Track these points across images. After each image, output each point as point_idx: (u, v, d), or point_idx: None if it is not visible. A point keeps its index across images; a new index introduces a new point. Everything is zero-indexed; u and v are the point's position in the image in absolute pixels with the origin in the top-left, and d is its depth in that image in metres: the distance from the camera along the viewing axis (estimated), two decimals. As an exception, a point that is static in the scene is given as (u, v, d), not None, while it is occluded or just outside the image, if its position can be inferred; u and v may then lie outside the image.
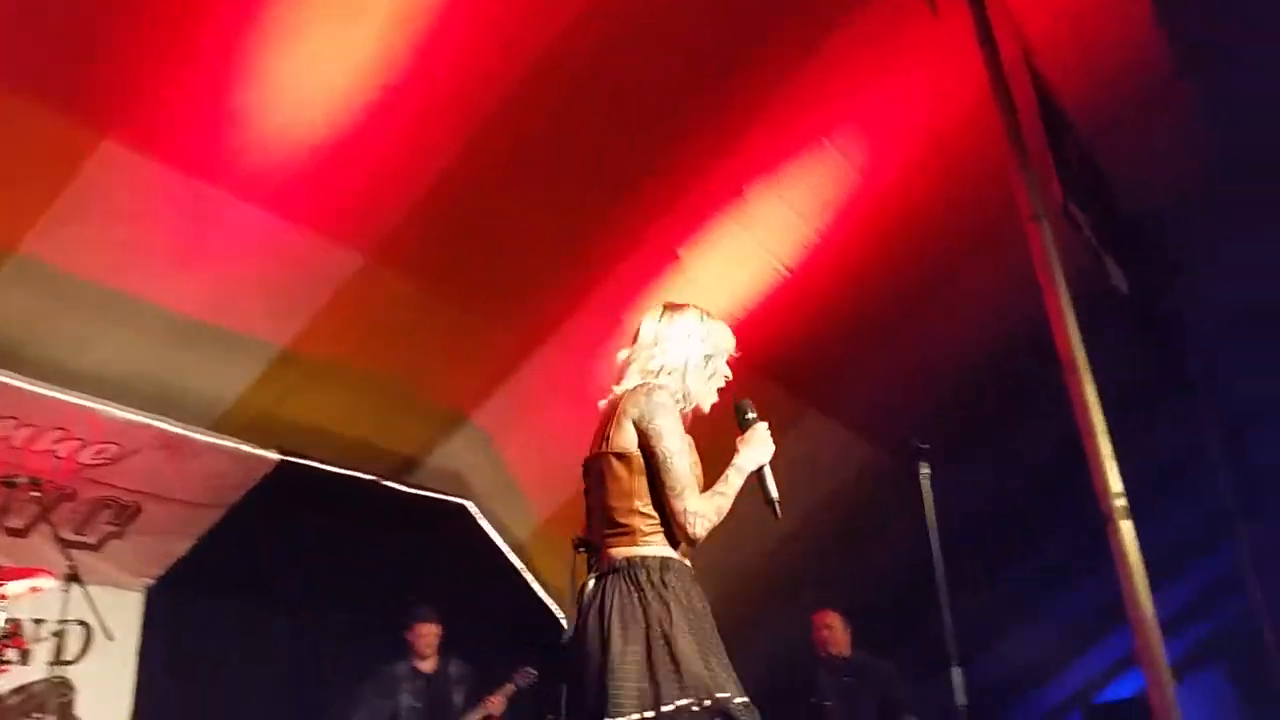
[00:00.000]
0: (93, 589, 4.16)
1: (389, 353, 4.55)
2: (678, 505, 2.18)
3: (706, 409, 2.39)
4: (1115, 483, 3.40)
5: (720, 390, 2.45)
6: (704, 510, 2.19)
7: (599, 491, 2.30)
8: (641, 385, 2.31)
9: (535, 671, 4.89)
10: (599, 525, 2.30)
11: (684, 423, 2.34)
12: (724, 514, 2.22)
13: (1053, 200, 3.95)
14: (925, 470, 3.76)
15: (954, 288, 5.21)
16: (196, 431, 4.31)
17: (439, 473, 5.32)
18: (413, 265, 4.18)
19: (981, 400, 5.76)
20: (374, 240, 4.00)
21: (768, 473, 2.27)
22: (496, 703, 4.83)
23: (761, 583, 5.78)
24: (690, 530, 2.18)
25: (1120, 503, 3.42)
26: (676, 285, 4.80)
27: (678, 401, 2.33)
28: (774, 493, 2.26)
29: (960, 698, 3.47)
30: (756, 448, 2.30)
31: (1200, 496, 7.13)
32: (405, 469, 5.21)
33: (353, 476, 4.94)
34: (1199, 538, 8.02)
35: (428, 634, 4.94)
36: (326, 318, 4.20)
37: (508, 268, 4.44)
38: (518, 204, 4.21)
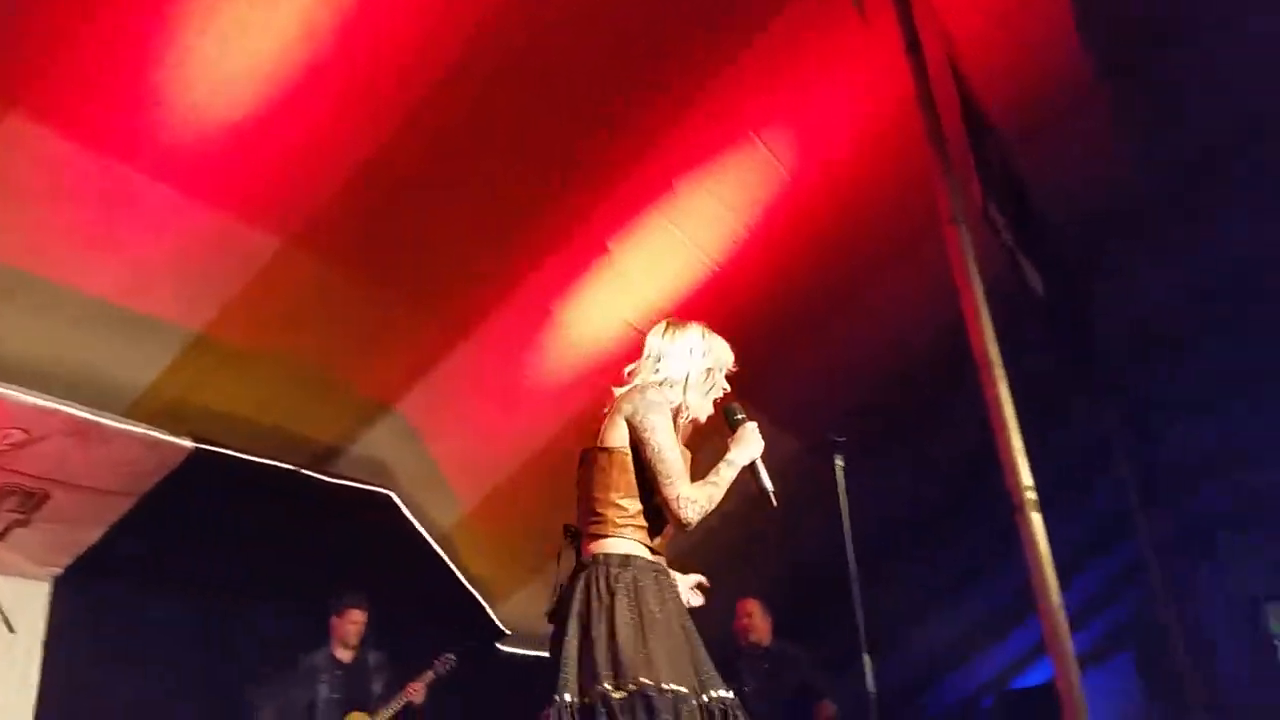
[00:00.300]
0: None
1: (308, 340, 4.46)
2: (670, 492, 2.32)
3: (704, 419, 2.57)
4: (1025, 476, 3.54)
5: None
6: (696, 497, 2.34)
7: (585, 483, 2.48)
8: (636, 386, 2.47)
9: (455, 658, 4.87)
10: (581, 514, 2.49)
11: (682, 433, 2.51)
12: (715, 502, 2.38)
13: (973, 203, 4.05)
14: (840, 462, 3.87)
15: (877, 287, 5.31)
16: (107, 418, 4.18)
17: (362, 462, 5.25)
18: (334, 251, 4.10)
19: (901, 397, 5.88)
20: (293, 225, 3.91)
21: (760, 466, 2.46)
22: (417, 689, 4.81)
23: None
24: (682, 515, 2.33)
25: (1030, 495, 3.56)
26: (606, 278, 4.81)
27: (678, 411, 2.50)
28: (768, 484, 2.46)
29: (870, 685, 3.58)
30: (748, 444, 2.49)
31: (1107, 491, 7.39)
32: (326, 458, 5.13)
33: (270, 465, 4.84)
34: (1106, 531, 8.32)
35: (358, 620, 4.91)
36: (243, 303, 4.09)
37: (434, 257, 4.39)
38: (444, 192, 4.16)
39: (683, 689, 2.18)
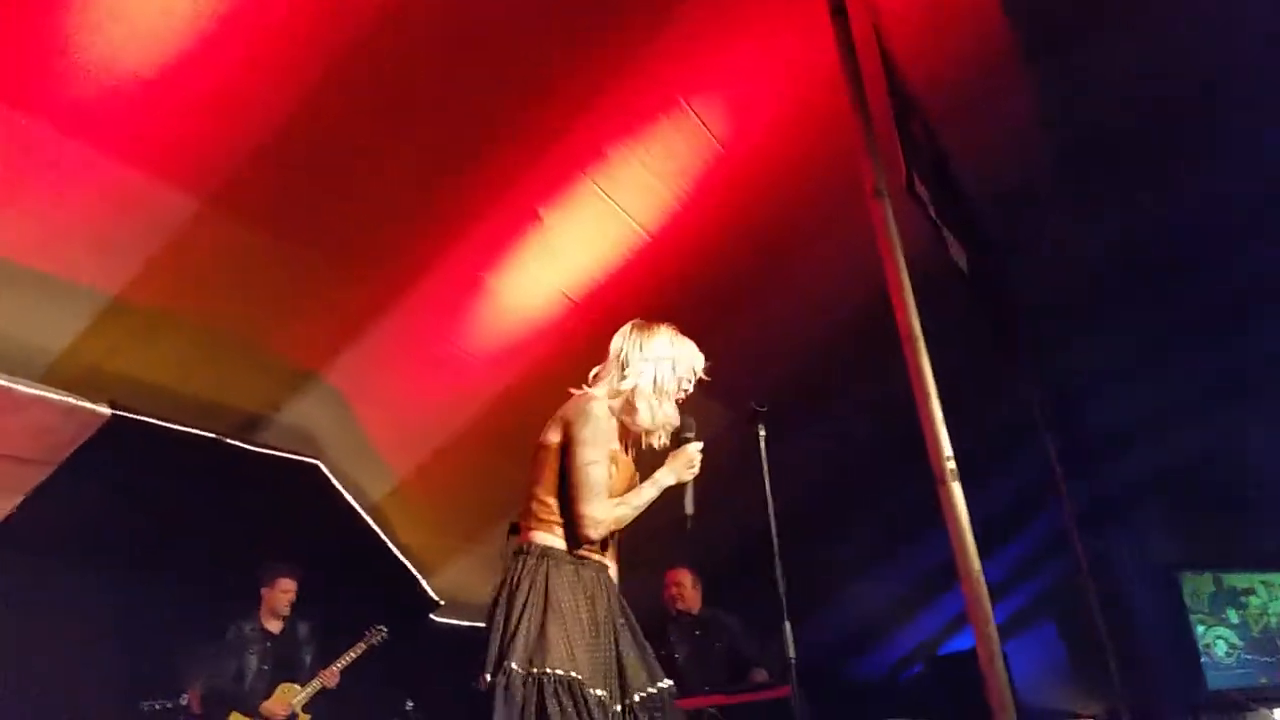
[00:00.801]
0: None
1: (231, 305, 4.38)
2: (578, 509, 2.40)
3: (669, 426, 2.61)
4: (946, 447, 3.63)
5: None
6: (601, 517, 2.40)
7: (528, 474, 2.55)
8: (584, 394, 2.50)
9: (385, 629, 4.86)
10: (521, 503, 2.55)
11: (637, 439, 2.56)
12: (625, 522, 2.45)
13: (897, 176, 4.12)
14: (762, 431, 3.92)
15: (804, 258, 5.37)
16: (21, 383, 4.07)
17: (288, 431, 5.18)
18: (255, 212, 4.01)
19: (828, 366, 5.97)
20: (211, 184, 3.82)
21: (689, 490, 2.53)
22: (331, 675, 4.78)
23: (618, 535, 5.89)
24: (583, 533, 2.40)
25: (950, 465, 3.65)
26: (537, 246, 4.79)
27: (630, 422, 2.53)
28: (690, 509, 2.53)
29: (790, 651, 3.67)
30: (679, 467, 2.55)
31: (1029, 463, 7.59)
32: (251, 426, 5.05)
33: (192, 434, 4.75)
34: (1028, 503, 8.56)
35: (288, 590, 4.87)
36: (160, 265, 3.99)
37: (360, 221, 4.33)
38: (369, 152, 4.09)
39: (578, 676, 2.23)
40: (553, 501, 2.45)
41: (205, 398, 4.74)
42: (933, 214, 4.70)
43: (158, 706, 4.80)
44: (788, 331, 5.80)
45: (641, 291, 5.18)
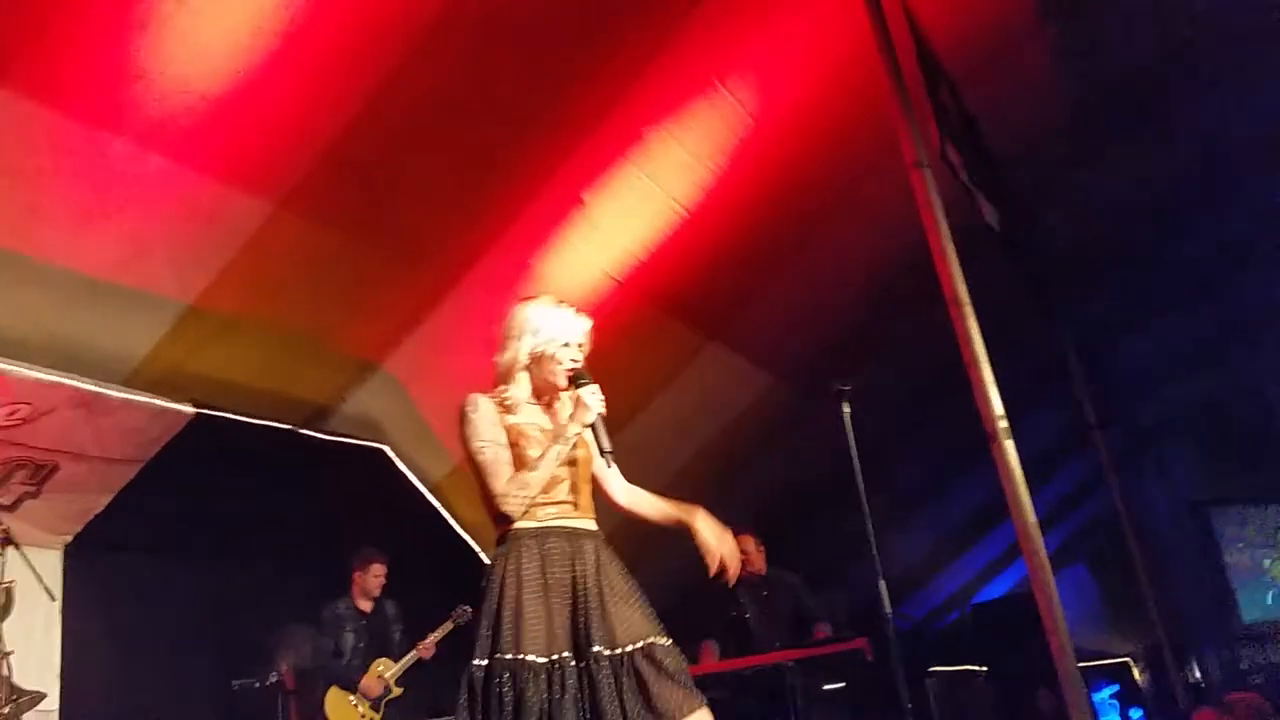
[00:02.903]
0: (8, 550, 4.20)
1: (298, 304, 4.60)
2: (489, 494, 2.48)
3: (561, 385, 2.59)
4: (997, 406, 3.80)
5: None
6: (509, 490, 2.44)
7: None
8: (460, 405, 2.56)
9: (470, 609, 5.10)
10: None
11: (521, 411, 2.57)
12: (537, 483, 2.45)
13: (933, 145, 4.26)
14: (847, 409, 4.08)
15: (838, 226, 5.53)
16: (111, 388, 4.31)
17: (354, 419, 5.42)
18: (320, 214, 4.21)
19: (861, 330, 6.15)
20: (281, 189, 4.02)
21: (600, 425, 2.51)
22: (427, 647, 5.04)
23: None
24: (503, 510, 2.45)
25: (1003, 424, 3.82)
26: (581, 229, 4.98)
27: (504, 397, 2.57)
28: (606, 444, 2.51)
29: (887, 607, 3.86)
30: (583, 410, 2.51)
31: (1061, 408, 7.77)
32: (320, 417, 5.30)
33: (268, 426, 5.01)
34: (1059, 447, 8.73)
35: (379, 574, 5.12)
36: (234, 271, 4.21)
37: (414, 215, 4.53)
38: (423, 151, 4.28)
39: (523, 657, 2.30)
40: (486, 501, 2.55)
41: (278, 392, 4.98)
42: (964, 178, 4.86)
43: (253, 684, 5.09)
44: (823, 297, 5.98)
45: (681, 267, 5.36)
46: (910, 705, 3.56)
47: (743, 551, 5.39)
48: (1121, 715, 9.05)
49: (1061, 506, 10.42)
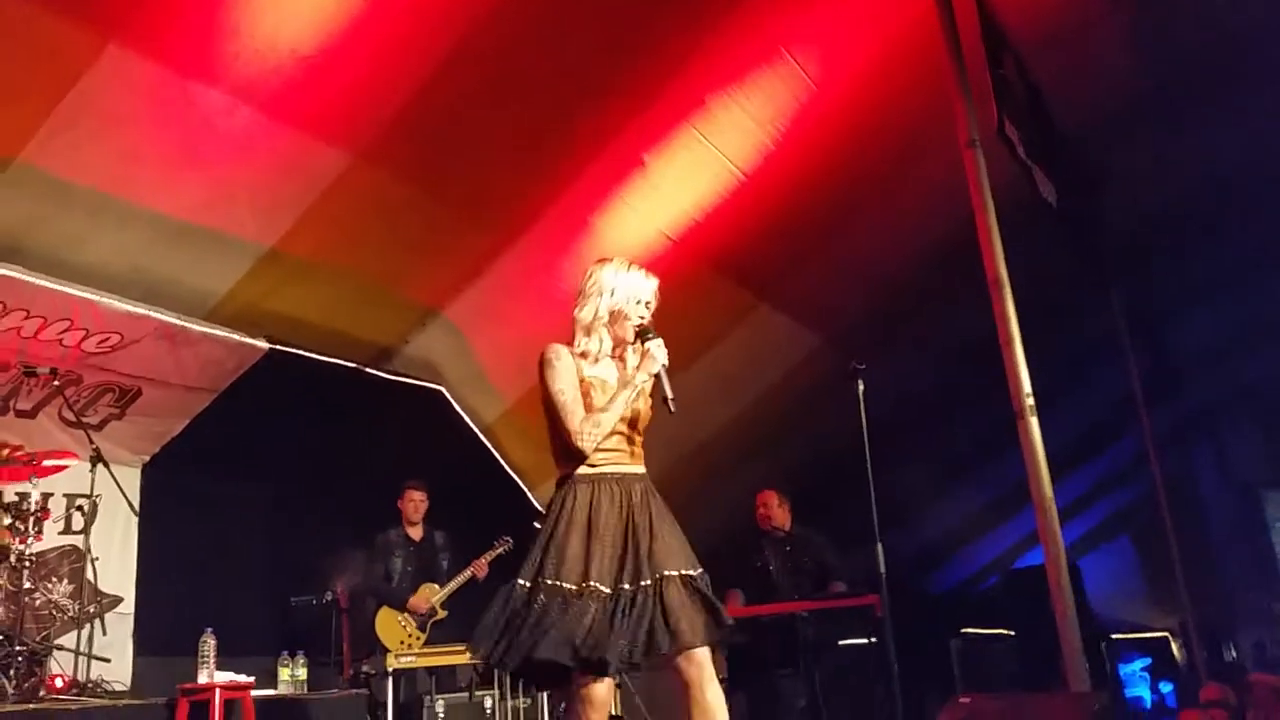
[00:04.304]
0: (86, 465, 4.55)
1: (369, 251, 4.84)
2: (563, 431, 2.68)
3: (630, 339, 2.78)
4: (1026, 384, 3.94)
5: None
6: (580, 429, 2.66)
7: None
8: (544, 348, 2.75)
9: (511, 540, 5.37)
10: None
11: (596, 362, 2.75)
12: (608, 423, 2.68)
13: (989, 123, 4.31)
14: (861, 386, 4.24)
15: (891, 195, 5.59)
16: (193, 322, 4.61)
17: (415, 361, 5.69)
18: (396, 166, 4.42)
19: (909, 298, 6.22)
20: (359, 143, 4.23)
21: (664, 375, 2.70)
22: (481, 566, 5.33)
23: (715, 455, 6.33)
24: (575, 446, 2.67)
25: (1029, 401, 3.96)
26: (641, 190, 5.12)
27: (585, 351, 2.74)
28: (669, 392, 2.68)
29: (881, 568, 4.06)
30: (650, 362, 2.72)
31: (1114, 384, 7.75)
32: (383, 357, 5.57)
33: (335, 363, 5.29)
34: (1115, 420, 8.71)
35: (418, 500, 5.40)
36: (312, 218, 4.45)
37: (483, 172, 4.71)
38: (493, 110, 4.44)
39: (568, 585, 2.55)
40: (555, 440, 2.76)
41: (345, 332, 5.25)
42: (1022, 154, 4.88)
43: (309, 601, 5.45)
44: (873, 264, 6.05)
45: (736, 229, 5.48)
46: (928, 665, 3.73)
47: (764, 505, 5.63)
48: (1151, 688, 9.12)
49: (1112, 480, 10.41)
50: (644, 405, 2.79)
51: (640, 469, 2.79)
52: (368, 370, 5.42)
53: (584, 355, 2.76)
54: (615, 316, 2.77)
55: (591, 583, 2.55)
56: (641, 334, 2.76)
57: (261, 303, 4.81)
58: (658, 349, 2.72)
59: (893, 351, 6.37)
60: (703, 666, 2.53)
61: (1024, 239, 4.47)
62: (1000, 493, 9.04)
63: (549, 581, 2.56)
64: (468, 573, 5.27)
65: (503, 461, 6.39)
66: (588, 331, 2.77)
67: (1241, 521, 10.94)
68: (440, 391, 5.87)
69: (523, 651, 2.50)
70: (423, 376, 5.76)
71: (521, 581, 2.60)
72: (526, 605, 2.56)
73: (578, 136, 4.74)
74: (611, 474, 2.72)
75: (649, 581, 2.56)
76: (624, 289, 2.79)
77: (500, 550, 5.34)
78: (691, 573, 2.62)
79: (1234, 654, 10.12)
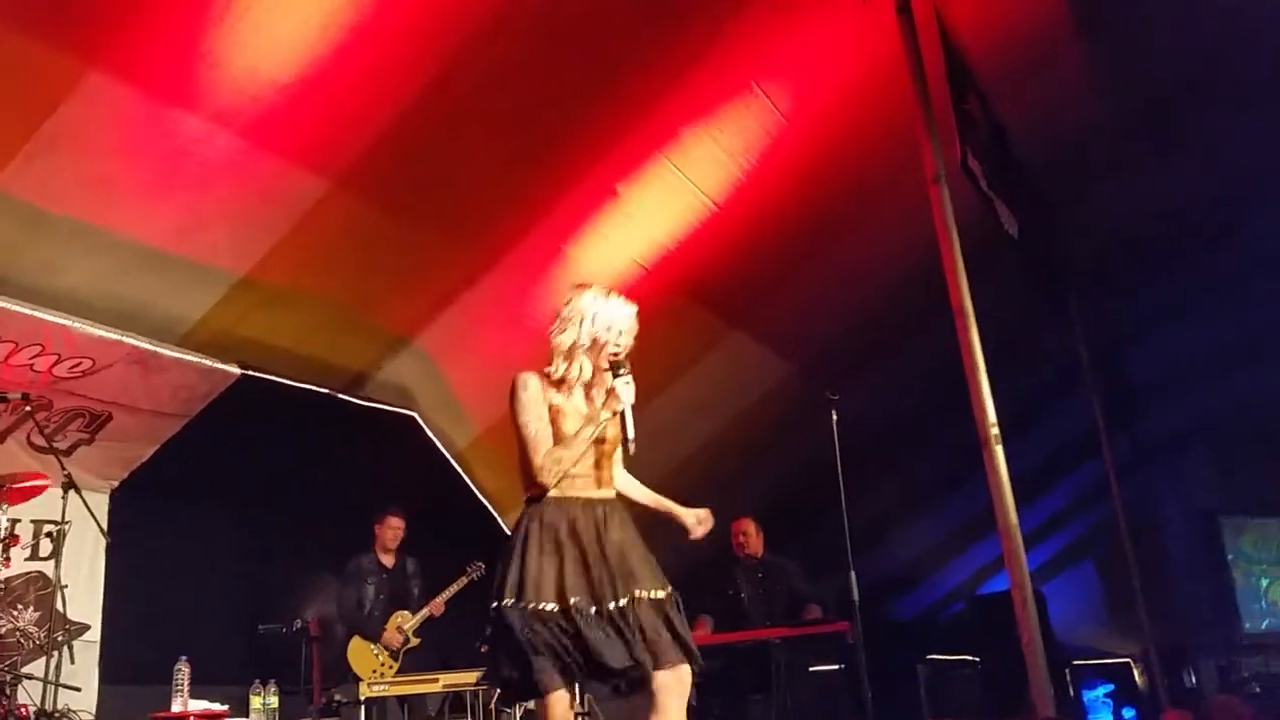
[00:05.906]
0: (56, 491, 4.51)
1: (343, 278, 4.86)
2: (529, 464, 2.70)
3: (603, 368, 2.78)
4: (991, 414, 4.04)
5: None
6: (545, 464, 2.69)
7: None
8: (513, 379, 2.76)
9: (483, 565, 5.38)
10: None
11: (570, 391, 2.77)
12: (569, 460, 2.69)
13: (953, 157, 4.44)
14: (835, 416, 4.32)
15: (859, 228, 5.71)
16: (165, 347, 4.60)
17: (387, 386, 5.70)
18: (372, 194, 4.46)
19: (876, 328, 6.34)
20: (336, 172, 4.27)
21: (628, 415, 2.71)
22: (438, 605, 5.33)
23: (686, 481, 6.36)
24: (540, 480, 2.69)
25: (994, 430, 4.06)
26: (614, 219, 5.20)
27: (561, 379, 2.75)
28: (630, 433, 2.71)
29: (855, 594, 4.12)
30: (612, 402, 2.73)
31: (1080, 411, 7.90)
32: (356, 383, 5.58)
33: (307, 389, 5.29)
34: (1078, 448, 8.86)
35: (397, 527, 5.40)
36: (287, 244, 4.47)
37: (458, 200, 4.76)
38: (470, 142, 4.51)
39: (545, 605, 2.56)
40: (524, 463, 2.75)
41: (318, 358, 5.26)
42: (985, 187, 5.02)
43: (279, 629, 5.41)
44: (841, 294, 6.16)
45: (707, 258, 5.58)
46: (895, 691, 3.79)
47: (742, 534, 5.68)
48: (1114, 714, 9.22)
49: (1075, 507, 10.55)
50: (613, 431, 2.79)
51: (609, 493, 2.81)
52: (340, 396, 5.42)
53: (560, 381, 2.77)
54: (595, 344, 2.77)
55: (570, 603, 2.57)
56: (614, 367, 2.75)
57: (234, 328, 4.81)
58: (624, 387, 2.71)
59: (862, 380, 6.47)
60: (671, 690, 2.57)
61: (988, 270, 4.59)
62: (964, 520, 9.15)
63: (521, 603, 2.57)
64: (425, 612, 5.26)
65: (474, 487, 6.40)
66: (566, 357, 2.76)
67: (1201, 549, 11.12)
68: (412, 417, 5.88)
69: (561, 665, 2.52)
70: (395, 402, 5.77)
71: (494, 605, 2.60)
72: (502, 627, 2.57)
73: (552, 166, 4.81)
74: (578, 498, 2.73)
75: (624, 601, 2.59)
76: (604, 316, 2.79)
77: (472, 577, 5.35)
78: (660, 595, 2.65)
79: (1194, 680, 10.26)
